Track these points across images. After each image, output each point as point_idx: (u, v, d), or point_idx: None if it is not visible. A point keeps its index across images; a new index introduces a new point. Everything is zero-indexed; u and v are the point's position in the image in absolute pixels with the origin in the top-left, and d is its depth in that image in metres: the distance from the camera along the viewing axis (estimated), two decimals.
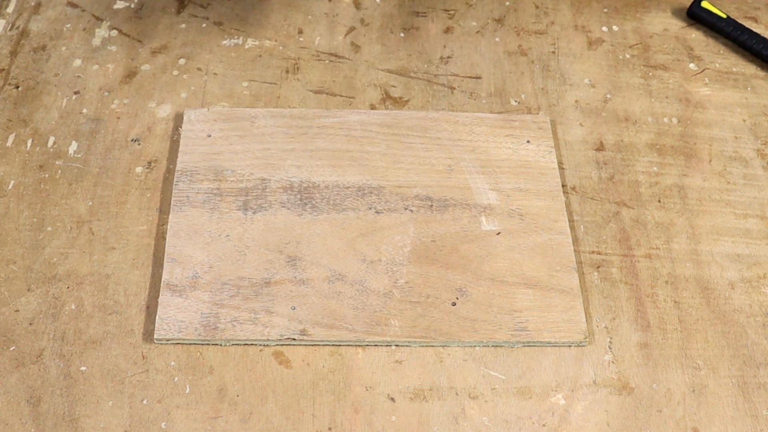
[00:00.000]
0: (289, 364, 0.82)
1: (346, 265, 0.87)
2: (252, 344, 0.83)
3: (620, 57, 1.09)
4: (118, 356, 0.82)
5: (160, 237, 0.89)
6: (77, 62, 1.04)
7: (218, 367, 0.81)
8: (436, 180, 0.94)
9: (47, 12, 1.10)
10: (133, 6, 1.11)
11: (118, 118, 0.99)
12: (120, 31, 1.08)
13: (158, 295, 0.85)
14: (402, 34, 1.10)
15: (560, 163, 0.97)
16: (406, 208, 0.92)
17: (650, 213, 0.94)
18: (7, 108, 0.99)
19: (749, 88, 1.06)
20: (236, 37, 1.08)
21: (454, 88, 1.04)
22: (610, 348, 0.84)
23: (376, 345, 0.83)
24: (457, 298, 0.85)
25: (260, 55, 1.07)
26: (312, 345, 0.83)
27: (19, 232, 0.89)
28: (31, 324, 0.83)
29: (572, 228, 0.92)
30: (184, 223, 0.89)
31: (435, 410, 0.80)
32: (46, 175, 0.94)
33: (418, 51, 1.08)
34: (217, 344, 0.83)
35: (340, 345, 0.83)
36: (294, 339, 0.83)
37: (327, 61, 1.06)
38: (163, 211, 0.91)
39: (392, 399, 0.80)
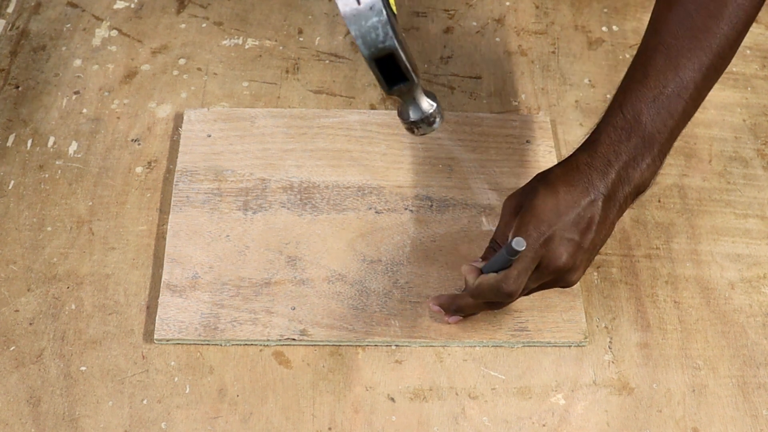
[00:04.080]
0: (289, 364, 0.82)
1: (346, 265, 0.87)
2: (252, 344, 0.83)
3: (620, 57, 1.08)
4: (118, 356, 0.82)
5: (160, 237, 0.89)
6: (77, 62, 1.04)
7: (218, 367, 0.81)
8: (436, 180, 0.94)
9: (47, 12, 1.10)
10: (133, 6, 1.11)
11: (118, 118, 0.99)
12: (120, 31, 1.08)
13: (158, 295, 0.85)
14: (402, 34, 1.10)
15: None
16: (406, 208, 0.92)
17: (650, 213, 0.94)
18: (7, 108, 0.99)
19: (749, 88, 1.06)
20: (236, 37, 1.08)
21: (454, 88, 1.04)
22: (610, 348, 0.84)
23: (376, 345, 0.83)
24: None
25: (260, 55, 1.07)
26: (312, 345, 0.83)
27: (19, 232, 0.89)
28: (31, 324, 0.83)
29: None
30: (184, 223, 0.89)
31: (435, 410, 0.80)
32: (46, 175, 0.94)
33: (418, 51, 1.08)
34: (217, 344, 0.83)
35: (340, 345, 0.83)
36: (294, 339, 0.83)
37: (327, 61, 1.06)
38: (163, 211, 0.91)
39: (392, 399, 0.80)
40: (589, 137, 0.79)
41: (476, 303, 0.79)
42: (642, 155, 0.76)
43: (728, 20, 0.77)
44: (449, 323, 0.83)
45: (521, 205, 0.77)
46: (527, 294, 0.80)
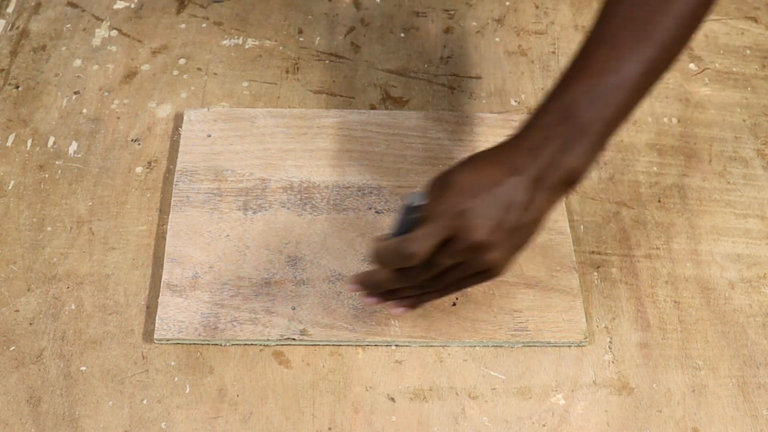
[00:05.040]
0: (289, 364, 0.82)
1: (346, 265, 0.87)
2: (252, 344, 0.83)
3: None
4: (118, 356, 0.82)
5: (160, 237, 0.89)
6: (77, 62, 1.04)
7: (218, 367, 0.81)
8: None
9: (47, 12, 1.10)
10: (133, 6, 1.11)
11: (118, 118, 0.99)
12: (120, 31, 1.08)
13: (158, 295, 0.85)
14: (402, 34, 1.10)
15: None
16: None
17: (650, 213, 0.94)
18: (7, 108, 0.99)
19: (749, 88, 1.06)
20: (236, 37, 1.08)
21: (454, 88, 1.04)
22: (610, 348, 0.84)
23: (376, 345, 0.83)
24: (457, 298, 0.85)
25: (260, 55, 1.07)
26: (312, 345, 0.83)
27: (19, 232, 0.89)
28: (31, 324, 0.83)
29: (572, 228, 0.92)
30: (184, 223, 0.89)
31: (435, 410, 0.80)
32: (46, 175, 0.94)
33: (418, 51, 1.08)
34: (217, 344, 0.83)
35: (340, 345, 0.83)
36: (294, 339, 0.83)
37: (327, 61, 1.06)
38: (163, 211, 0.91)
39: (392, 399, 0.80)
40: (524, 124, 0.77)
41: (389, 274, 0.76)
42: (574, 142, 0.74)
43: (673, 15, 0.75)
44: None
45: (444, 181, 0.75)
46: (450, 285, 0.77)
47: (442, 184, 0.74)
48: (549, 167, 0.73)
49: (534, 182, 0.73)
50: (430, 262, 0.74)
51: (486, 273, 0.75)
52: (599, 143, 0.75)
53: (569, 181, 0.75)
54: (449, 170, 0.76)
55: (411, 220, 0.72)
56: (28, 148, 0.96)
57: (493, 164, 0.74)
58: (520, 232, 0.74)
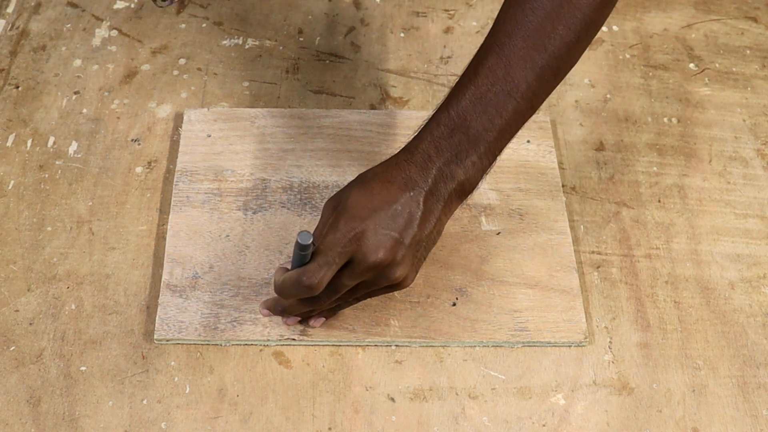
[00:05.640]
0: (289, 364, 0.82)
1: None
2: (252, 344, 0.83)
3: (620, 57, 1.09)
4: (118, 356, 0.82)
5: (160, 237, 0.89)
6: (77, 62, 1.04)
7: (218, 367, 0.81)
8: None
9: (47, 12, 1.10)
10: (133, 6, 1.11)
11: (118, 118, 0.99)
12: (120, 31, 1.08)
13: (158, 295, 0.85)
14: (402, 34, 1.10)
15: (560, 163, 0.97)
16: None
17: (650, 213, 0.94)
18: (7, 108, 0.99)
19: (749, 88, 1.06)
20: (236, 37, 1.08)
21: None
22: (610, 348, 0.84)
23: (376, 345, 0.83)
24: (457, 298, 0.85)
25: (260, 55, 1.07)
26: (312, 345, 0.83)
27: (19, 232, 0.89)
28: (31, 324, 0.83)
29: (572, 228, 0.92)
30: (184, 223, 0.89)
31: (435, 410, 0.80)
32: (46, 175, 0.94)
33: (418, 51, 1.08)
34: (217, 344, 0.83)
35: (340, 345, 0.83)
36: (294, 339, 0.83)
37: (327, 61, 1.06)
38: (163, 211, 0.91)
39: (392, 399, 0.80)
40: (413, 136, 0.77)
41: (295, 301, 0.78)
42: (466, 152, 0.74)
43: (565, 22, 0.74)
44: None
45: (338, 204, 0.75)
46: (360, 298, 0.79)
47: (334, 209, 0.75)
48: (442, 179, 0.74)
49: (429, 195, 0.73)
50: (333, 287, 0.74)
51: (394, 286, 0.76)
52: (490, 153, 0.75)
53: (463, 192, 0.75)
54: (341, 193, 0.76)
55: (306, 255, 0.73)
56: (28, 148, 0.96)
57: (385, 182, 0.74)
58: (422, 245, 0.75)
